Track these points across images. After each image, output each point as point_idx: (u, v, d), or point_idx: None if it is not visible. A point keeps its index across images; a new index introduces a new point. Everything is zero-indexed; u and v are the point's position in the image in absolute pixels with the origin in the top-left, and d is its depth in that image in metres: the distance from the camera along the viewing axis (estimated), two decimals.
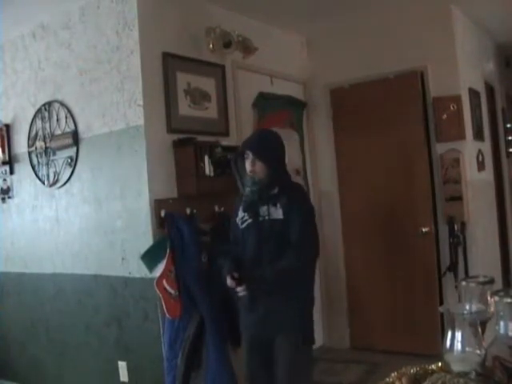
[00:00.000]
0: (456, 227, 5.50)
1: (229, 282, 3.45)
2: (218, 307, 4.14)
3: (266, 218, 3.54)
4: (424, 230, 5.59)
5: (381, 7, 5.48)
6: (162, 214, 4.18)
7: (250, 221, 3.60)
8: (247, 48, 4.94)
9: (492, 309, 1.75)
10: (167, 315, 4.03)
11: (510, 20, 6.28)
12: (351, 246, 6.18)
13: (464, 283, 1.85)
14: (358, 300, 6.07)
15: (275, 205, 3.54)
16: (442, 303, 5.53)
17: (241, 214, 3.65)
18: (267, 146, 3.61)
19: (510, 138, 7.54)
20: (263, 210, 3.55)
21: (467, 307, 1.75)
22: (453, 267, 5.50)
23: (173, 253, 4.04)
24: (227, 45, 4.69)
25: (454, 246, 5.51)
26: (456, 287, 5.47)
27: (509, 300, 1.52)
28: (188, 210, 4.35)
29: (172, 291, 3.98)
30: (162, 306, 4.02)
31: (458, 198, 5.53)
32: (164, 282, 4.00)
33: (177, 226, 4.16)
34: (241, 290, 3.44)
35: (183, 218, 4.24)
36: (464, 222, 5.52)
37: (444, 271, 5.56)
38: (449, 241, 5.55)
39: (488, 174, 6.44)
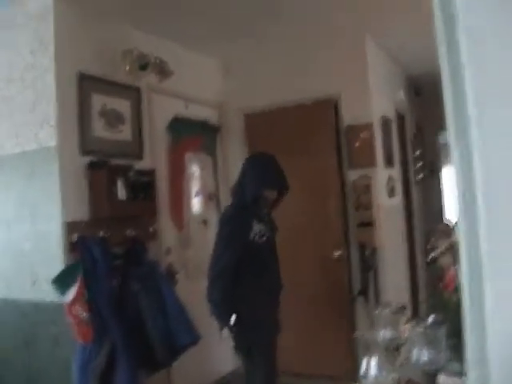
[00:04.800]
0: (367, 252, 5.64)
1: None
2: (129, 332, 4.08)
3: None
4: (336, 254, 5.69)
5: (297, 34, 5.58)
6: (75, 237, 4.10)
7: (268, 234, 3.99)
8: (163, 71, 4.93)
9: (405, 334, 1.81)
10: (78, 340, 3.94)
11: (419, 52, 6.52)
12: None
13: (378, 311, 1.91)
14: None
15: None
16: (353, 327, 5.65)
17: (257, 228, 3.89)
18: None
19: (418, 165, 7.82)
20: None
21: (381, 334, 1.80)
22: (363, 291, 5.62)
23: (85, 277, 3.96)
24: (143, 67, 4.68)
25: (365, 270, 5.65)
26: (367, 311, 5.61)
27: (421, 329, 1.59)
28: (101, 234, 4.29)
29: (84, 316, 3.90)
30: (74, 331, 3.93)
31: (369, 224, 5.66)
32: (76, 306, 3.90)
33: (89, 250, 4.09)
34: None
35: (96, 242, 4.17)
36: (375, 247, 5.66)
37: (355, 295, 5.67)
38: (360, 265, 5.69)
39: (398, 200, 6.63)
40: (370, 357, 1.62)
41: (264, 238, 3.92)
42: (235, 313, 3.76)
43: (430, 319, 1.65)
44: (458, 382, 1.64)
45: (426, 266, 7.55)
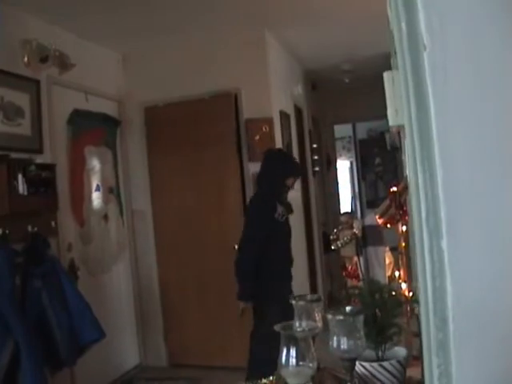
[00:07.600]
0: None
1: None
2: (33, 331, 3.99)
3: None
4: (237, 246, 5.74)
5: (198, 29, 5.58)
6: None
7: (286, 215, 4.64)
8: (64, 64, 4.82)
9: (320, 324, 1.88)
10: None
11: (315, 47, 6.71)
12: (165, 264, 6.19)
13: (294, 302, 1.96)
14: (174, 317, 6.10)
15: None
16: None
17: (279, 209, 4.54)
18: None
19: (315, 157, 8.00)
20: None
21: (298, 324, 1.86)
22: None
23: None
24: (44, 60, 4.55)
25: None
26: None
27: (341, 317, 1.65)
28: (0, 230, 4.16)
29: None
30: None
31: None
32: None
33: None
34: None
35: None
36: None
37: None
38: None
39: (297, 192, 6.77)
40: (289, 347, 1.66)
41: (284, 218, 4.60)
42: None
43: (349, 308, 1.72)
44: (375, 367, 1.73)
45: (324, 255, 7.79)
